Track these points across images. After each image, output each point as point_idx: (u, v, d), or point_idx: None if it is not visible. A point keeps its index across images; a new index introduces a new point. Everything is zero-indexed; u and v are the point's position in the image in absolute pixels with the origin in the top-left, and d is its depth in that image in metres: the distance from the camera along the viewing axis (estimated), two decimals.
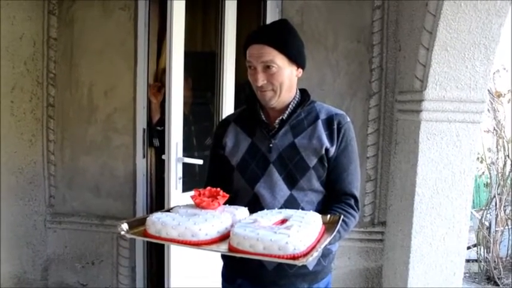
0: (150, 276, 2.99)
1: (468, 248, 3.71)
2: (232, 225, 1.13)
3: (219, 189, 1.27)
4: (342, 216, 1.27)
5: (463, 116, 2.29)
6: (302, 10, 2.67)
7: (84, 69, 2.85)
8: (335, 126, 1.41)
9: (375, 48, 2.63)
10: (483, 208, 4.46)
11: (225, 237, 1.11)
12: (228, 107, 2.68)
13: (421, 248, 2.37)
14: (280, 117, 1.43)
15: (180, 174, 2.29)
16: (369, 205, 2.70)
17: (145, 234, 1.15)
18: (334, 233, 1.16)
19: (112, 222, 2.76)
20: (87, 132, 2.86)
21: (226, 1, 2.58)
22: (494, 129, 4.11)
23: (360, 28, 2.64)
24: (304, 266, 1.38)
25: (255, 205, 1.36)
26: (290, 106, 1.44)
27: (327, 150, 1.39)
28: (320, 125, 1.42)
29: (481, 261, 4.19)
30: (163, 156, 2.32)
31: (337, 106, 1.54)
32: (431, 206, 2.35)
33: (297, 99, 1.46)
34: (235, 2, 2.64)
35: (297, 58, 1.40)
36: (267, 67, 1.35)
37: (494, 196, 4.19)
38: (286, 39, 1.38)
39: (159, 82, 2.91)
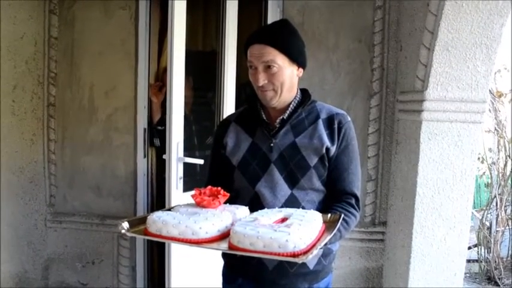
0: (151, 276, 2.99)
1: (469, 248, 3.71)
2: (232, 224, 1.13)
3: (219, 188, 1.28)
4: (343, 215, 1.27)
5: (464, 116, 2.29)
6: (303, 10, 2.68)
7: (85, 68, 2.85)
8: (336, 126, 1.42)
9: (376, 48, 2.63)
10: (484, 208, 4.45)
11: (225, 235, 1.11)
12: (228, 106, 2.68)
13: (421, 248, 2.37)
14: (281, 117, 1.43)
15: (181, 174, 2.29)
16: (369, 205, 2.70)
17: (146, 232, 1.16)
18: (335, 231, 1.16)
19: (112, 222, 2.77)
20: (88, 131, 2.87)
21: (227, 1, 2.58)
22: (495, 129, 4.11)
23: (361, 28, 2.64)
24: (305, 265, 1.39)
25: (256, 204, 1.36)
26: (291, 106, 1.44)
27: (327, 149, 1.39)
28: (321, 124, 1.42)
29: (481, 262, 4.18)
30: (164, 156, 2.32)
31: (338, 106, 1.54)
32: (432, 206, 2.35)
33: (297, 98, 1.46)
34: (236, 1, 2.64)
35: (297, 58, 1.40)
36: (267, 67, 1.36)
37: (495, 196, 4.18)
38: (287, 39, 1.38)
39: (160, 82, 2.91)
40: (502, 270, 4.05)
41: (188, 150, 2.42)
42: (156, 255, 3.00)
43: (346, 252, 2.71)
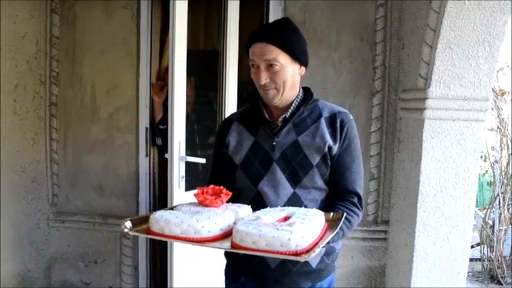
0: (153, 275, 3.00)
1: (471, 247, 3.69)
2: (235, 223, 1.13)
3: (222, 187, 1.28)
4: (345, 214, 1.27)
5: (467, 114, 2.28)
6: (305, 8, 2.67)
7: (86, 67, 2.85)
8: (338, 124, 1.41)
9: (378, 46, 2.63)
10: (487, 207, 4.44)
11: (227, 234, 1.11)
12: (230, 105, 2.67)
13: (424, 247, 2.36)
14: (283, 116, 1.43)
15: (183, 173, 2.29)
16: (372, 204, 2.69)
17: (148, 231, 1.15)
18: (337, 229, 1.16)
19: (115, 221, 2.77)
20: (90, 131, 2.87)
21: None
22: (498, 127, 4.09)
23: (363, 26, 2.63)
24: (308, 264, 1.39)
25: (259, 203, 1.36)
26: (293, 104, 1.44)
27: (330, 148, 1.39)
28: (323, 123, 1.42)
29: (484, 260, 4.17)
30: (166, 155, 2.32)
31: (340, 104, 1.54)
32: (435, 205, 2.34)
33: (300, 97, 1.46)
34: (238, 0, 2.64)
35: (299, 56, 1.39)
36: (269, 65, 1.35)
37: (498, 195, 4.17)
38: (289, 38, 1.37)
39: (161, 81, 2.91)
40: (505, 269, 4.04)
41: (190, 149, 2.42)
42: (159, 254, 3.00)
43: (349, 251, 2.70)
